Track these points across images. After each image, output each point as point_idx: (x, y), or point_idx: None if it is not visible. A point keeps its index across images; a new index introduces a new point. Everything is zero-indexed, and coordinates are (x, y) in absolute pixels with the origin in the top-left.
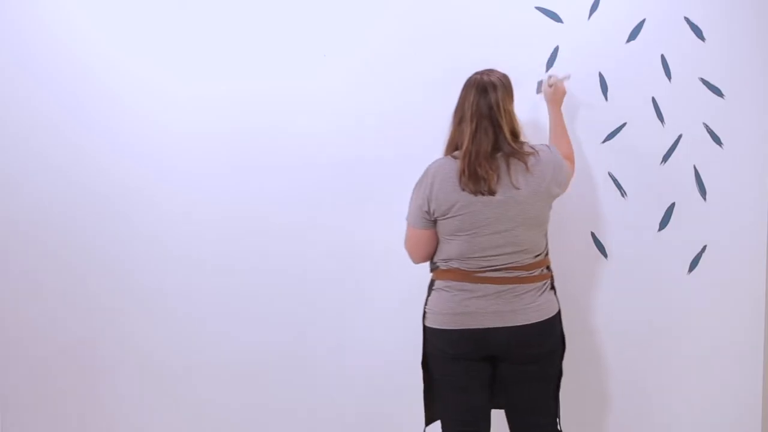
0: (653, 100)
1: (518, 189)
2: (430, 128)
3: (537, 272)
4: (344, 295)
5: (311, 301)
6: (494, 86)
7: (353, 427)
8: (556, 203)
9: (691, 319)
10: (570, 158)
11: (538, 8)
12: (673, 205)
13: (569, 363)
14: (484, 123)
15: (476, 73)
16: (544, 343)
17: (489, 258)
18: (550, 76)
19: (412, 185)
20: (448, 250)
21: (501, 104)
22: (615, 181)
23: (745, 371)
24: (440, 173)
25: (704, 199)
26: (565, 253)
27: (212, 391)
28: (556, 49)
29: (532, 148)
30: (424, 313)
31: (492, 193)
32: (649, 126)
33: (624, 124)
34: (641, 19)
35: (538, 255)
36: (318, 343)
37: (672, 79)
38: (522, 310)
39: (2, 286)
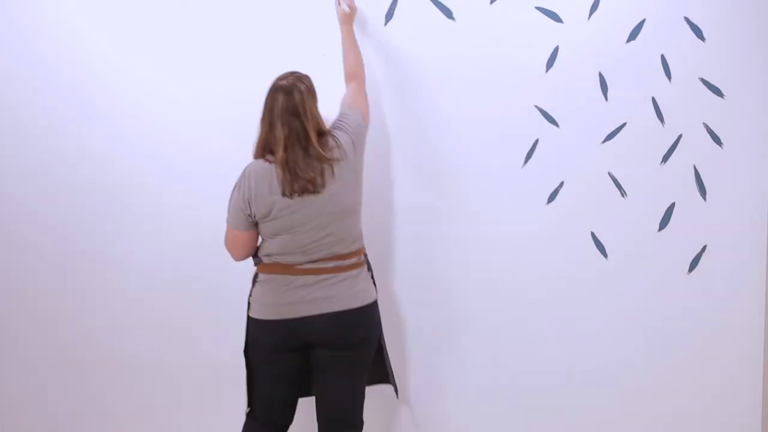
0: (653, 100)
1: (332, 183)
2: (429, 128)
3: (354, 260)
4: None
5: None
6: (299, 90)
7: None
8: (556, 203)
9: (690, 319)
10: (359, 76)
11: (538, 8)
12: (673, 205)
13: (573, 360)
14: (295, 124)
15: (279, 78)
16: (360, 329)
17: (308, 252)
18: None
19: (412, 185)
20: (269, 247)
21: (306, 106)
22: (615, 181)
23: (745, 371)
24: (259, 177)
25: (704, 199)
26: (565, 253)
27: (212, 390)
28: (556, 49)
29: (332, 136)
30: (249, 304)
31: (311, 192)
32: (649, 126)
33: (624, 124)
34: (641, 19)
35: (354, 242)
36: None
37: (672, 79)
38: (338, 296)
39: (2, 285)
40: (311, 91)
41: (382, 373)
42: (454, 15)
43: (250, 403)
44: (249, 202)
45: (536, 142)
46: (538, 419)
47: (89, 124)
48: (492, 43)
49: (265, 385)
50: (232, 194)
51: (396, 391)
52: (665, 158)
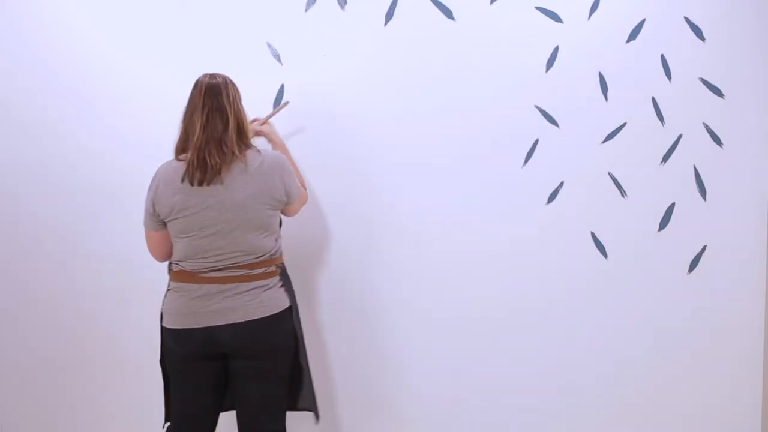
0: (653, 100)
1: (235, 190)
2: (429, 128)
3: (261, 270)
4: (346, 294)
5: (314, 299)
6: (225, 84)
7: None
8: (556, 203)
9: (691, 319)
10: (302, 185)
11: (538, 8)
12: (673, 205)
13: (572, 360)
14: (214, 114)
15: (204, 75)
16: (268, 340)
17: (211, 259)
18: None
19: (411, 185)
20: (177, 251)
21: (232, 100)
22: (615, 181)
23: (745, 371)
24: (165, 176)
25: (704, 199)
26: (565, 253)
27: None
28: (556, 49)
29: (258, 151)
30: (161, 313)
31: (216, 182)
32: (649, 126)
33: (624, 124)
34: (641, 19)
35: (263, 255)
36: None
37: (672, 79)
38: (243, 307)
39: (2, 285)
40: (236, 88)
41: (307, 397)
42: (454, 15)
43: (168, 417)
44: (154, 203)
45: (536, 142)
46: (537, 419)
47: (89, 124)
48: (492, 43)
49: (186, 394)
50: (146, 195)
51: (316, 415)
52: (665, 158)
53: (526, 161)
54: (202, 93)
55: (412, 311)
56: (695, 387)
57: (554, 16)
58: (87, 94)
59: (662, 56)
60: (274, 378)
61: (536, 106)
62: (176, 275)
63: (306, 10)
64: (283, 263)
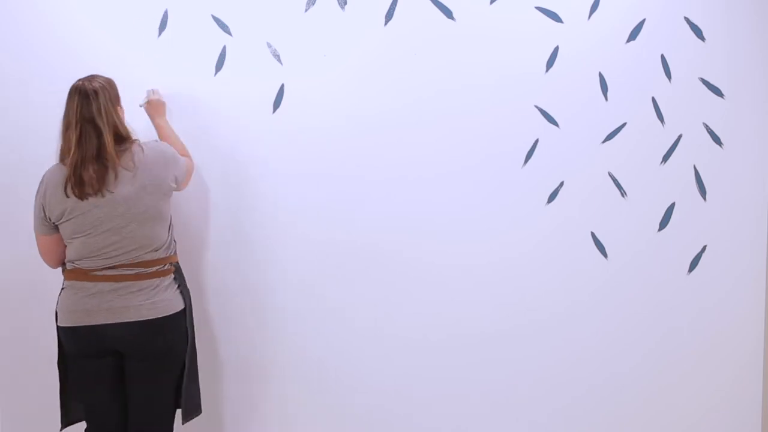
0: (653, 100)
1: (124, 186)
2: (429, 128)
3: (155, 269)
4: (345, 296)
5: (311, 300)
6: (96, 92)
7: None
8: (556, 203)
9: (691, 319)
10: (185, 154)
11: (538, 8)
12: (673, 205)
13: (572, 360)
14: (88, 128)
15: (79, 80)
16: (159, 340)
17: (106, 256)
18: (149, 92)
19: (411, 184)
20: (71, 251)
21: (103, 110)
22: (615, 181)
23: (745, 371)
24: (52, 180)
25: (704, 199)
26: (564, 253)
27: (213, 391)
28: (556, 49)
29: (139, 145)
30: (56, 312)
31: (98, 194)
32: (649, 126)
33: (624, 124)
34: (641, 19)
35: (158, 250)
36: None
37: (672, 79)
38: (136, 307)
39: (4, 285)
40: (111, 93)
41: (194, 397)
42: (454, 15)
43: (64, 422)
44: (44, 207)
45: (536, 142)
46: (536, 418)
47: None
48: (492, 43)
49: (90, 392)
50: (34, 200)
51: (187, 416)
52: (665, 158)
53: (526, 161)
54: (75, 105)
55: (412, 311)
56: (695, 386)
57: (554, 16)
58: None
59: (662, 56)
60: (163, 380)
61: (536, 106)
62: (70, 274)
63: (306, 10)
64: (177, 262)
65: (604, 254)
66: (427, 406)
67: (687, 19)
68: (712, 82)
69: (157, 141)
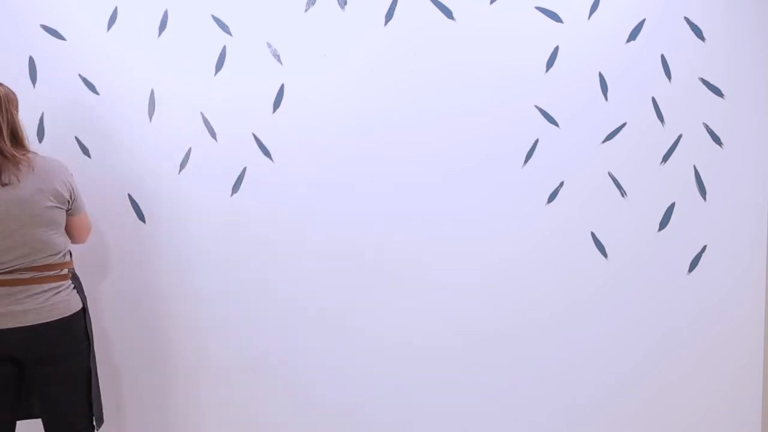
0: (653, 100)
1: (21, 188)
2: (429, 128)
3: (52, 273)
4: (344, 295)
5: (311, 300)
6: None
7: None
8: (556, 203)
9: (691, 319)
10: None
11: (538, 8)
12: (673, 205)
13: (571, 359)
14: None
15: None
16: (61, 342)
17: (1, 261)
18: None
19: (411, 184)
20: None
21: (3, 106)
22: (615, 181)
23: (745, 371)
24: None
25: (704, 199)
26: (564, 253)
27: (214, 391)
28: (556, 49)
29: (38, 155)
30: None
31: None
32: (649, 126)
33: (624, 124)
34: (641, 19)
35: (54, 255)
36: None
37: (672, 79)
38: (34, 310)
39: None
40: (11, 98)
41: (94, 401)
42: (454, 15)
43: None
44: None
45: (536, 142)
46: (536, 418)
47: (89, 124)
48: (492, 43)
49: None
50: None
51: (100, 420)
52: (665, 158)
53: (526, 161)
54: None
55: (412, 311)
56: (695, 386)
57: (554, 16)
58: (87, 94)
59: (662, 56)
60: (73, 381)
61: (536, 106)
62: None
63: (306, 10)
64: (73, 268)
65: (604, 254)
66: (427, 406)
67: (687, 19)
68: (712, 82)
69: (60, 160)
